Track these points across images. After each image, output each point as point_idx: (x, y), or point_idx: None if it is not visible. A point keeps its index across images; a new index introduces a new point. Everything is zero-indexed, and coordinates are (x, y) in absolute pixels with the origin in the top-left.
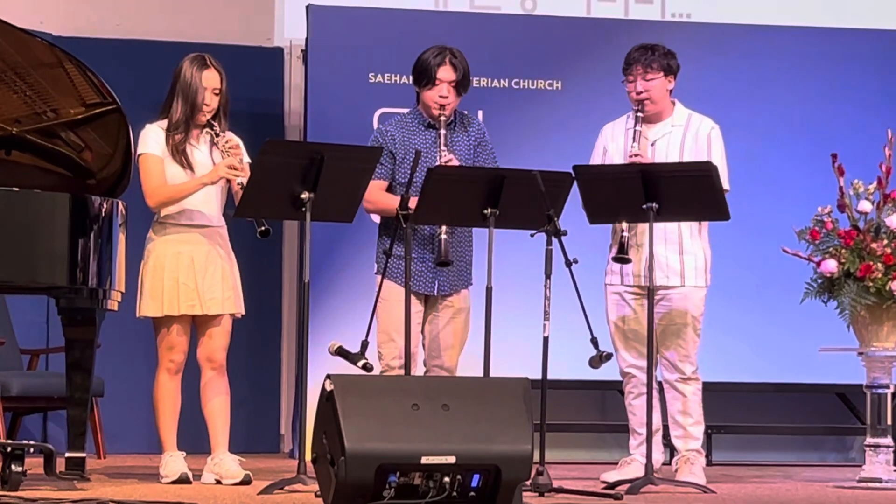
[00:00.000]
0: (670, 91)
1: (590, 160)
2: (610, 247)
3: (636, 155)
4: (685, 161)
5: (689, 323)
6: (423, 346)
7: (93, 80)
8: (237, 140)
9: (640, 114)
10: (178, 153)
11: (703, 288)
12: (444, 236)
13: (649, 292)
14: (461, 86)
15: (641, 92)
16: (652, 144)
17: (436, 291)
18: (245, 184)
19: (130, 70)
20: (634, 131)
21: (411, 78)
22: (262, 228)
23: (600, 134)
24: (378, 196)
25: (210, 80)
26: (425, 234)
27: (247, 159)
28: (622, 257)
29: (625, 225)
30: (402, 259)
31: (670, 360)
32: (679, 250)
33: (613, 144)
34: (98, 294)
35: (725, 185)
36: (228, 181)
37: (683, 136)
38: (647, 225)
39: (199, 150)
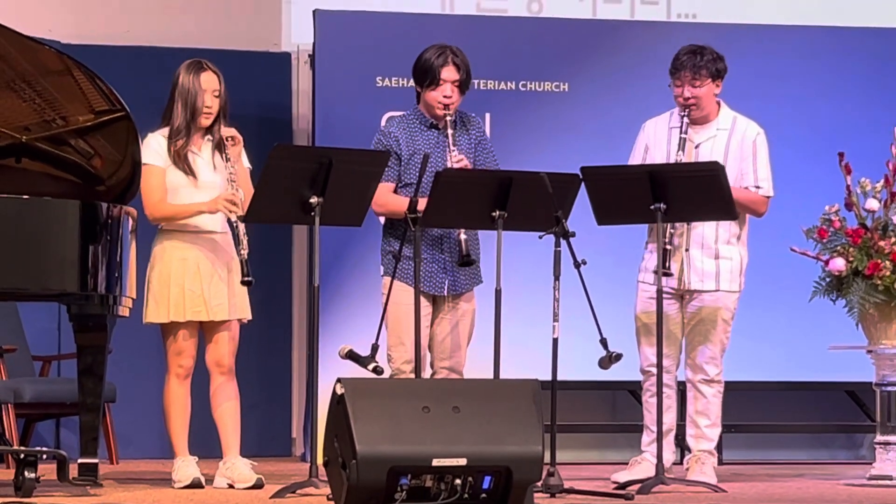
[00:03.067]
0: (716, 94)
1: (630, 156)
2: (646, 244)
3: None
4: (698, 161)
5: (718, 325)
6: (430, 348)
7: (101, 88)
8: (238, 138)
9: (686, 118)
10: (181, 159)
11: (735, 293)
12: (463, 236)
13: (658, 294)
14: (464, 84)
15: (689, 98)
16: (696, 147)
17: (446, 291)
18: (238, 221)
19: (139, 77)
20: (681, 139)
21: (412, 78)
22: (246, 279)
23: (641, 130)
24: (388, 199)
25: (209, 83)
26: (434, 234)
27: (248, 166)
28: (665, 272)
29: (668, 236)
30: (412, 260)
31: (695, 361)
32: (714, 255)
33: (656, 141)
34: (109, 300)
35: (769, 191)
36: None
37: (728, 140)
38: (684, 229)
39: (201, 156)
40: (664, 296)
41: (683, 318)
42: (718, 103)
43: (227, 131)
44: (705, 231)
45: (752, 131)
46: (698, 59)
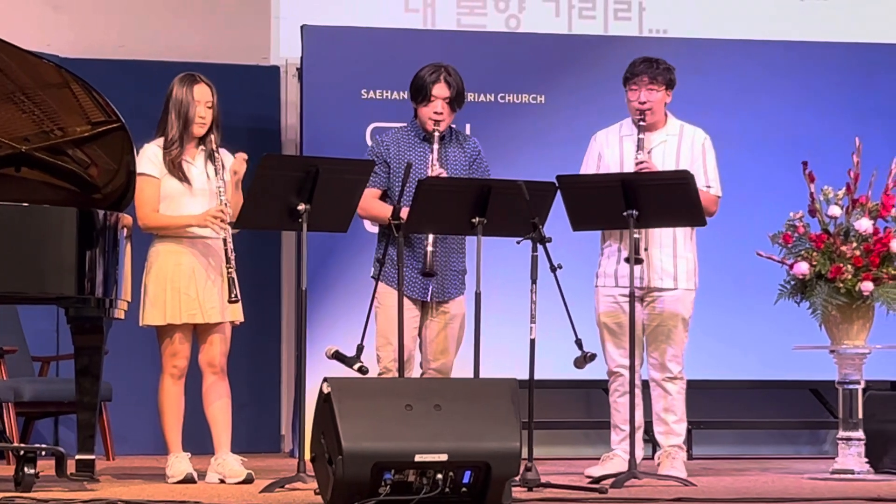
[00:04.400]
0: (666, 104)
1: (583, 166)
2: (602, 250)
3: (643, 163)
4: (673, 169)
5: (679, 324)
6: (420, 349)
7: (98, 100)
8: (229, 161)
9: (641, 123)
10: (175, 168)
11: (692, 291)
12: (430, 248)
13: (631, 295)
14: (455, 102)
15: (645, 102)
16: (649, 152)
17: (429, 298)
18: (228, 240)
19: (133, 89)
20: (638, 140)
21: (408, 93)
22: (232, 297)
23: (593, 140)
24: (371, 204)
25: (202, 94)
26: (422, 244)
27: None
28: (637, 258)
29: (621, 239)
30: (397, 266)
31: (658, 360)
32: (673, 254)
33: (609, 151)
34: (105, 303)
35: (718, 191)
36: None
37: (678, 144)
38: (645, 231)
39: (195, 165)
40: (625, 298)
41: (644, 319)
42: (666, 114)
43: (236, 165)
44: (663, 231)
45: (700, 136)
46: (654, 67)
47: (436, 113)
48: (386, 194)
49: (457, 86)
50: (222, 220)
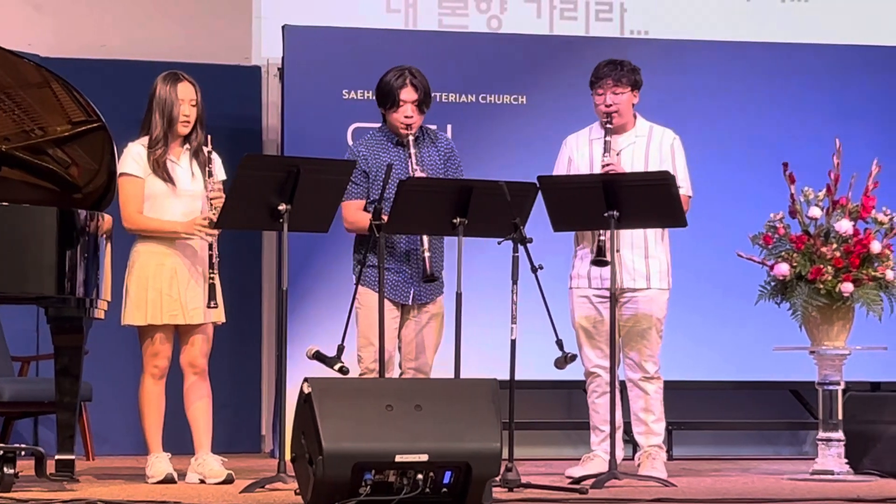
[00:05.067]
0: (634, 105)
1: (554, 170)
2: (575, 252)
3: (609, 165)
4: (646, 171)
5: (654, 324)
6: (399, 349)
7: (78, 99)
8: (218, 162)
9: (609, 125)
10: (160, 168)
11: (666, 290)
12: (427, 254)
13: (611, 295)
14: (424, 103)
15: (611, 105)
16: (618, 153)
17: (411, 301)
18: (212, 242)
19: (114, 89)
20: (605, 142)
21: (374, 98)
22: (212, 304)
23: (564, 144)
24: (357, 216)
25: (185, 93)
26: (403, 248)
27: (223, 177)
28: (601, 260)
29: (594, 240)
30: (377, 268)
31: (634, 360)
32: (644, 254)
33: (578, 154)
34: (85, 303)
35: (689, 191)
36: (209, 198)
37: (647, 145)
38: (615, 233)
39: (180, 164)
40: (599, 299)
41: (619, 320)
42: (635, 115)
43: (213, 187)
44: (634, 232)
45: (669, 137)
46: (619, 69)
47: (406, 117)
48: (367, 204)
49: (423, 87)
50: (209, 229)
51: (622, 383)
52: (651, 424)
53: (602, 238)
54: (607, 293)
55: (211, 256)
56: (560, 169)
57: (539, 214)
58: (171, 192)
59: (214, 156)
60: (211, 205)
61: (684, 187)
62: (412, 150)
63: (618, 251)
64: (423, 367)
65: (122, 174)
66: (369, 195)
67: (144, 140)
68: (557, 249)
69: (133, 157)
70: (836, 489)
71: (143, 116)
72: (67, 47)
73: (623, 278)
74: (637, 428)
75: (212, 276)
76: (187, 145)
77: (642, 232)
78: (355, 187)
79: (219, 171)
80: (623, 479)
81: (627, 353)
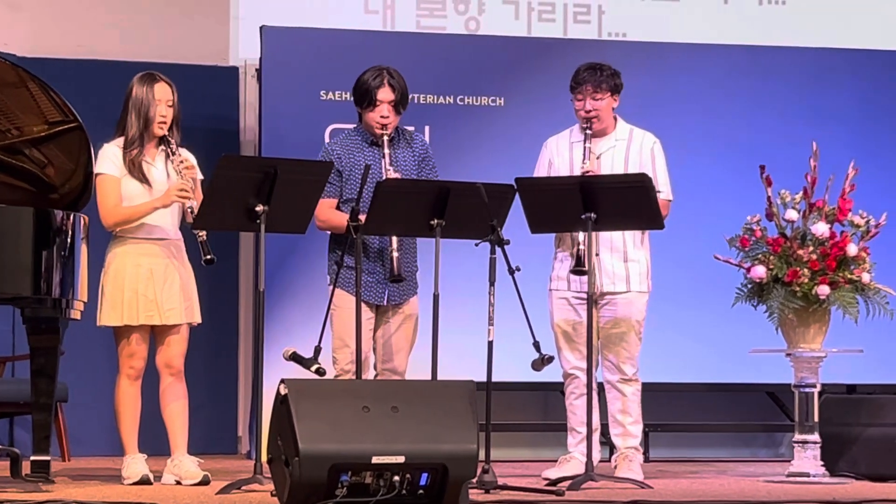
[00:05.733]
0: (614, 108)
1: (535, 172)
2: (555, 254)
3: (588, 172)
4: (623, 173)
5: (633, 327)
6: (375, 351)
7: (55, 99)
8: (192, 160)
9: (588, 131)
10: (135, 169)
11: (645, 293)
12: (395, 254)
13: (589, 298)
14: (400, 104)
15: (590, 111)
16: (598, 158)
17: (385, 301)
18: (194, 208)
19: (91, 89)
20: (584, 148)
21: (352, 98)
22: (208, 258)
23: (544, 147)
24: (329, 214)
25: (162, 93)
26: (375, 248)
27: (200, 177)
28: (580, 269)
29: (581, 237)
30: (353, 269)
31: (613, 362)
32: (623, 258)
33: (559, 158)
34: (61, 304)
35: (669, 195)
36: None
37: (627, 149)
38: (595, 235)
39: (155, 166)
40: (578, 301)
41: (598, 322)
42: (615, 118)
43: (181, 161)
44: (613, 235)
45: (649, 140)
46: (598, 74)
47: (382, 117)
48: (339, 203)
49: (400, 88)
50: (185, 191)
51: (601, 385)
52: (628, 426)
53: (582, 247)
54: (586, 296)
55: (202, 244)
56: (541, 171)
57: (518, 216)
58: (146, 192)
59: (185, 151)
60: (181, 174)
61: (664, 192)
62: (386, 151)
63: (597, 255)
64: (398, 368)
65: (98, 174)
66: (342, 194)
67: (120, 141)
68: (536, 251)
69: (109, 158)
70: (811, 491)
71: (120, 116)
72: (44, 47)
73: (602, 282)
74: (614, 430)
75: (200, 235)
76: (163, 146)
77: (621, 235)
78: (329, 186)
79: (192, 159)
80: (599, 480)
81: (606, 355)
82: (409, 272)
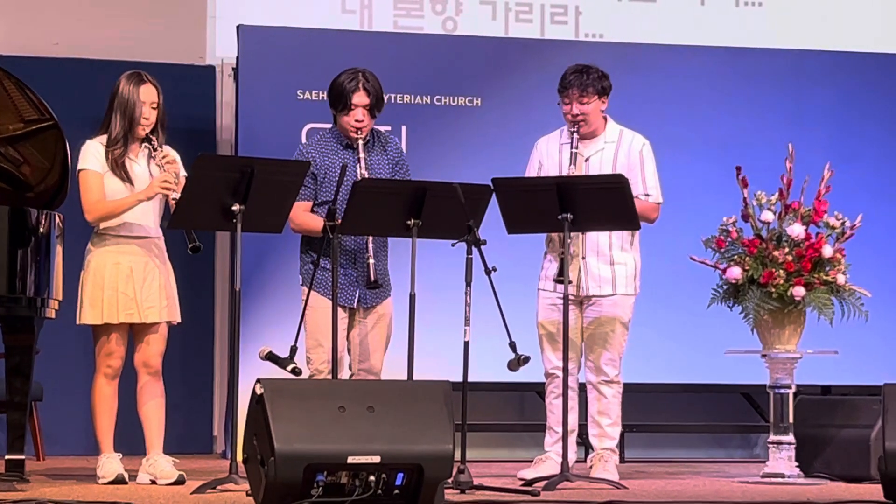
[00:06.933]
0: (603, 110)
1: (525, 173)
2: (545, 254)
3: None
4: (599, 174)
5: (617, 328)
6: (349, 351)
7: (31, 97)
8: (174, 155)
9: (576, 134)
10: (118, 167)
11: (632, 295)
12: (371, 261)
13: (565, 299)
14: (375, 108)
15: (577, 115)
16: (586, 160)
17: (356, 304)
18: (175, 196)
19: (67, 87)
20: (572, 153)
21: (327, 100)
22: (193, 245)
23: (535, 148)
24: (304, 218)
25: (147, 95)
26: (348, 249)
27: (184, 173)
28: (560, 280)
29: (562, 244)
30: (327, 271)
31: (595, 363)
32: (609, 261)
33: (549, 160)
34: (36, 302)
35: (658, 198)
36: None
37: (616, 151)
38: (579, 238)
39: (138, 164)
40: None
41: (582, 324)
42: (605, 118)
43: (163, 156)
44: (600, 239)
45: (638, 142)
46: (585, 77)
47: (357, 121)
48: (314, 206)
49: (375, 91)
50: (169, 182)
51: (582, 385)
52: (606, 427)
53: (564, 256)
54: (572, 297)
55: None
56: (531, 172)
57: (496, 217)
58: (128, 191)
59: (168, 148)
60: (163, 168)
61: (653, 195)
62: (361, 155)
63: (583, 258)
64: (372, 369)
65: (81, 169)
66: (317, 196)
67: (103, 138)
68: (514, 252)
69: (92, 153)
70: (786, 492)
71: (105, 114)
72: (20, 45)
73: (588, 285)
74: (592, 430)
75: (175, 198)
76: (146, 145)
77: (608, 239)
78: (303, 189)
79: (175, 156)
80: (575, 481)
81: (588, 355)
82: (381, 276)
